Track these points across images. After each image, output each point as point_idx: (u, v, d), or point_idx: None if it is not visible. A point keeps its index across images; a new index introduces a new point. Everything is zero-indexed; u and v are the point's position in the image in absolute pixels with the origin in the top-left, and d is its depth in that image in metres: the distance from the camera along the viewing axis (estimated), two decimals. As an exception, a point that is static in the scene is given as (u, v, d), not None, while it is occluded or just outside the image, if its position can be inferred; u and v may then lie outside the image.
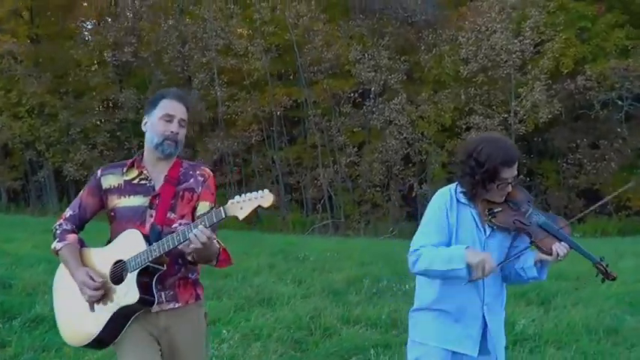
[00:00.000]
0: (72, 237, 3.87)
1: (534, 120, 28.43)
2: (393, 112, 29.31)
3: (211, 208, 3.75)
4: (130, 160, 3.88)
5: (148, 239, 3.61)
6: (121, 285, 3.63)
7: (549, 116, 27.74)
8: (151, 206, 3.77)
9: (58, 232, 3.90)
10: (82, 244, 3.91)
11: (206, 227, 3.43)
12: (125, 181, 3.82)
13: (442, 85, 30.58)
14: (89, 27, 37.17)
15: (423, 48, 30.11)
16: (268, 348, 7.18)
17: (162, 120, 3.75)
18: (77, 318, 3.78)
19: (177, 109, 3.80)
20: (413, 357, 4.05)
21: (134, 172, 3.84)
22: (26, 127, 34.01)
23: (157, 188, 3.80)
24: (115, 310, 3.63)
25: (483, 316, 3.93)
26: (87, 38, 35.34)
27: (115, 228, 3.81)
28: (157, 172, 3.84)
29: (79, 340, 3.80)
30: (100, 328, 3.68)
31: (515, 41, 27.33)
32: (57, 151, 34.68)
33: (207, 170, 3.98)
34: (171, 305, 3.75)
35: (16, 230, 18.91)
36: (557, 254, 3.66)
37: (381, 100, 30.17)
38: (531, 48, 27.64)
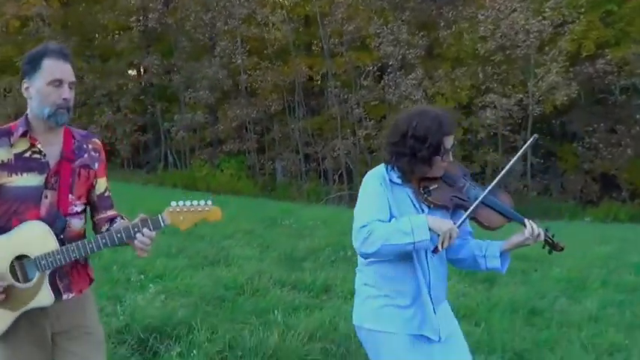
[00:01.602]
0: None
1: (552, 102, 28.08)
2: (409, 87, 29.13)
3: (107, 185, 3.62)
4: (21, 130, 3.32)
5: (57, 235, 3.27)
6: (28, 284, 3.27)
7: (565, 98, 27.36)
8: (46, 186, 3.32)
9: None
10: None
11: (150, 230, 3.26)
12: (15, 155, 3.30)
13: (461, 63, 30.29)
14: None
15: (442, 24, 29.83)
16: (180, 302, 7.28)
17: (50, 86, 3.26)
18: None
19: (65, 71, 3.32)
20: (378, 349, 3.80)
21: (24, 144, 3.32)
22: (52, 88, 34.30)
23: (52, 164, 3.35)
24: (22, 310, 3.29)
25: (431, 300, 3.74)
26: (115, 3, 35.48)
27: (1, 207, 3.33)
28: (49, 144, 3.37)
29: None
30: (4, 329, 3.31)
31: (534, 21, 26.92)
32: (82, 113, 35.07)
33: (98, 142, 3.64)
34: (65, 296, 3.41)
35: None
36: (532, 232, 3.56)
37: (398, 75, 30.00)
38: (550, 29, 27.17)
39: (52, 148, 3.37)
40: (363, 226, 3.51)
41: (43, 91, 3.27)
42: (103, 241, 3.26)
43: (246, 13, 32.25)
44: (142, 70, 36.91)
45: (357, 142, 31.80)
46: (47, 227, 3.26)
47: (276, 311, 7.12)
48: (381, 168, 3.73)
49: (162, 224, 3.26)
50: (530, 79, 28.16)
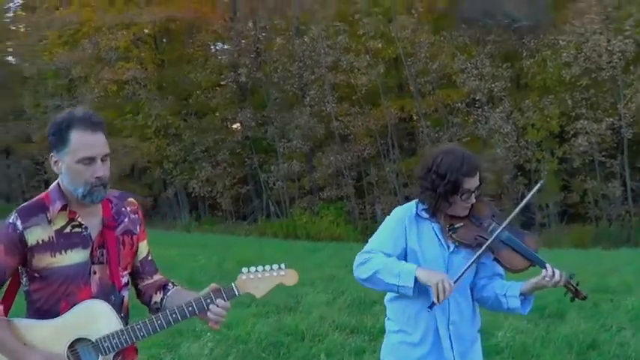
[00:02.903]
0: None
1: (645, 122, 27.41)
2: (498, 121, 29.05)
3: (149, 247, 3.42)
4: (59, 204, 3.07)
5: (120, 314, 3.12)
6: None
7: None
8: (92, 260, 3.11)
9: None
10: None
11: (225, 301, 3.11)
12: (56, 232, 3.05)
13: (548, 91, 29.87)
14: (211, 50, 38.75)
15: (525, 54, 29.64)
16: (234, 349, 7.66)
17: (80, 164, 2.98)
18: None
19: (96, 145, 3.03)
20: None
21: (63, 219, 3.08)
22: (154, 147, 36.05)
23: (94, 236, 3.13)
24: None
25: (450, 338, 3.78)
26: (206, 61, 36.94)
27: (44, 291, 3.09)
28: (88, 215, 3.13)
29: None
30: None
31: (615, 41, 26.51)
32: (183, 169, 36.54)
33: (135, 202, 3.38)
34: None
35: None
36: (552, 277, 3.56)
37: (487, 109, 30.01)
38: (633, 47, 26.64)
39: (92, 219, 3.15)
40: (365, 252, 3.73)
41: (73, 169, 3.01)
42: (174, 316, 3.08)
43: (332, 61, 32.84)
44: (239, 124, 38.00)
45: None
46: (108, 306, 3.07)
47: (322, 355, 7.44)
48: (410, 203, 3.88)
49: (236, 293, 3.12)
50: (620, 101, 27.63)
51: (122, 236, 3.22)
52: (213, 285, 3.14)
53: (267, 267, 3.14)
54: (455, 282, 3.54)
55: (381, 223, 3.86)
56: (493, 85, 29.51)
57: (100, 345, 3.02)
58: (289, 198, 35.62)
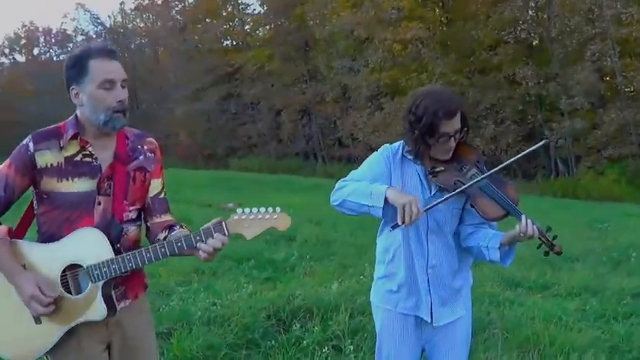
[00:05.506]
0: (2, 229, 3.25)
1: None
2: None
3: (163, 186, 3.58)
4: (71, 132, 3.26)
5: (112, 244, 3.26)
6: (79, 296, 3.22)
7: None
8: (99, 191, 3.30)
9: None
10: (10, 234, 3.30)
11: (225, 235, 3.21)
12: (66, 158, 3.26)
13: None
14: (494, 6, 39.94)
15: None
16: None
17: (101, 89, 3.18)
18: (16, 329, 3.26)
19: (115, 70, 3.24)
20: (377, 322, 4.10)
21: (75, 147, 3.28)
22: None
23: (104, 168, 3.33)
24: (71, 325, 3.24)
25: (428, 282, 3.86)
26: (488, 18, 38.35)
27: (49, 215, 3.31)
28: (101, 148, 3.34)
29: (19, 355, 3.30)
30: (51, 345, 3.26)
31: None
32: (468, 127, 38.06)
33: (154, 141, 3.57)
34: (122, 304, 3.43)
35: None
36: (525, 231, 3.53)
37: None
38: None
39: (104, 151, 3.32)
40: (344, 180, 3.83)
41: (94, 96, 3.19)
42: (162, 250, 3.21)
43: (614, 14, 32.95)
44: (519, 81, 39.22)
45: None
46: (102, 234, 3.22)
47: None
48: (396, 144, 3.92)
49: (225, 232, 3.20)
50: None
51: (134, 172, 3.40)
52: (216, 219, 3.27)
53: (262, 209, 3.23)
54: (425, 210, 3.62)
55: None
56: None
57: (90, 272, 3.18)
58: (575, 156, 36.37)
